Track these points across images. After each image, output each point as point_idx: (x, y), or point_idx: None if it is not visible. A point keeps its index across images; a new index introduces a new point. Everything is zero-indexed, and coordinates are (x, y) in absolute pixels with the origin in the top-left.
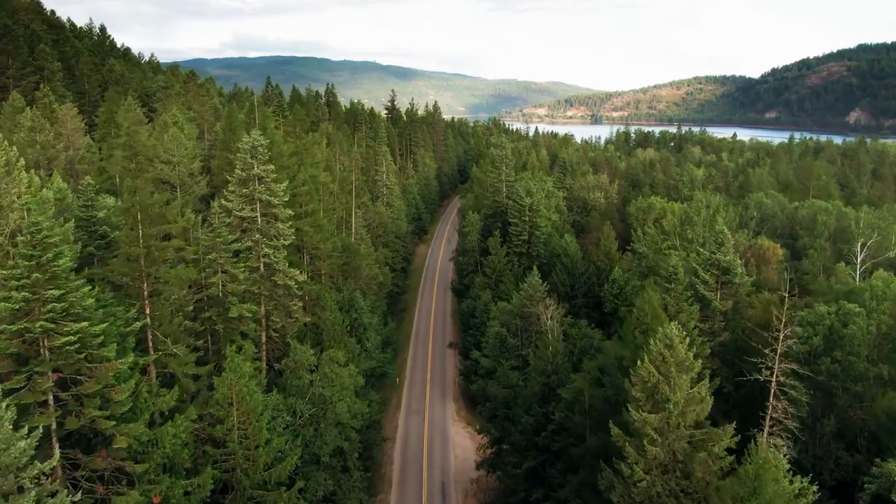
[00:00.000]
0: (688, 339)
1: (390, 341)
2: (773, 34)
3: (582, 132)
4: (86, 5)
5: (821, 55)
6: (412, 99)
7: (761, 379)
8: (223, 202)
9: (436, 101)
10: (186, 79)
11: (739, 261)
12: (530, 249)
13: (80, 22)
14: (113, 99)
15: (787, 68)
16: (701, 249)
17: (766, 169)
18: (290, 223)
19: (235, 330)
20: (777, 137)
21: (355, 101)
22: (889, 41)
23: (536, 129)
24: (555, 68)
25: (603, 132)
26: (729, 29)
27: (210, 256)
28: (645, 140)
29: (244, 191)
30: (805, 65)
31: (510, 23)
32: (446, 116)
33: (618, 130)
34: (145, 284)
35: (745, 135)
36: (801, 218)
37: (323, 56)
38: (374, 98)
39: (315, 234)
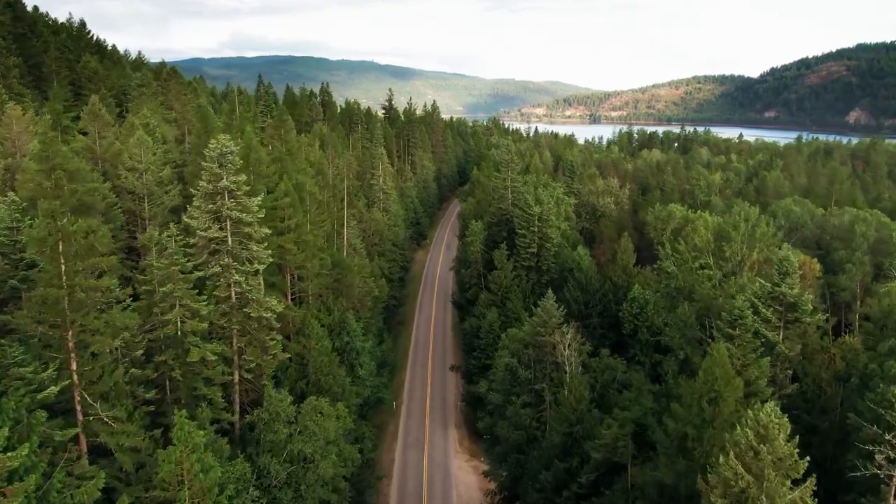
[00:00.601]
0: (787, 422)
1: (386, 362)
2: (773, 34)
3: (582, 132)
4: (85, 5)
5: (820, 55)
6: (410, 98)
7: (880, 475)
8: (185, 220)
9: (434, 101)
10: (167, 76)
11: (809, 295)
12: (539, 263)
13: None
14: (59, 96)
15: (786, 68)
16: (762, 280)
17: (777, 171)
18: (268, 242)
19: (198, 376)
20: (778, 137)
21: (352, 100)
22: (888, 41)
23: (536, 129)
24: (553, 68)
25: (603, 132)
26: (728, 29)
27: (165, 288)
28: (649, 140)
29: (211, 206)
30: (804, 64)
31: (509, 22)
32: (444, 116)
33: (620, 130)
34: (70, 334)
35: (746, 135)
36: (832, 227)
37: (321, 56)
38: (371, 98)
39: (299, 251)
